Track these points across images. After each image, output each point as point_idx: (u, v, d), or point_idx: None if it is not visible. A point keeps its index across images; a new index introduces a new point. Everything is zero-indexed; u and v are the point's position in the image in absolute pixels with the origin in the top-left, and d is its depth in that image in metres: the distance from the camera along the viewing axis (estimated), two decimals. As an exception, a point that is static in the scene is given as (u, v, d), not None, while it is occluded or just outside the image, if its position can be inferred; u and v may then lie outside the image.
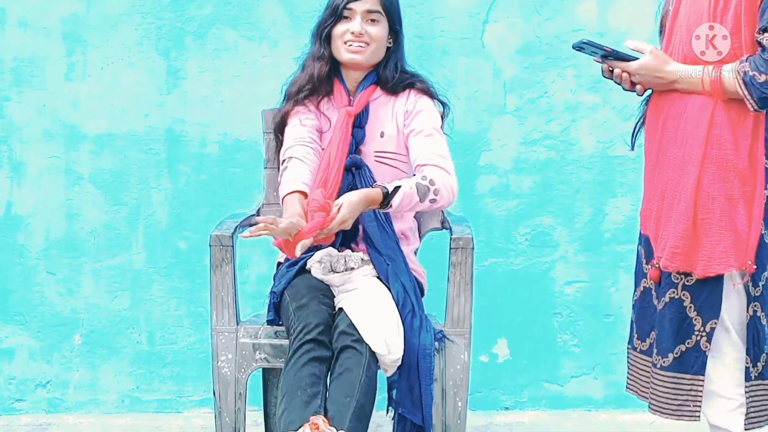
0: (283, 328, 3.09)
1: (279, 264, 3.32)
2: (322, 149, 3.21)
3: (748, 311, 2.80)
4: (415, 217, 3.41)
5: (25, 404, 4.01)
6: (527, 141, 4.02)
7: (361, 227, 3.18)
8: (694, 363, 2.80)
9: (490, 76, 4.00)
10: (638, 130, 3.00)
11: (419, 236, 3.42)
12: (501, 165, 4.02)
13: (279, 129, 3.30)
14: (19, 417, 3.99)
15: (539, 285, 4.04)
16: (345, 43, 3.22)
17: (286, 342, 3.03)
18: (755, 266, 2.75)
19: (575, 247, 4.04)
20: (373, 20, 3.23)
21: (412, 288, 3.09)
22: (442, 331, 3.10)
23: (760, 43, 2.69)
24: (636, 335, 2.97)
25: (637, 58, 2.84)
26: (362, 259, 3.14)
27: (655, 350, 2.86)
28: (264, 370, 3.41)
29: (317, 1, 3.49)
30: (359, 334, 2.90)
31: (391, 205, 3.03)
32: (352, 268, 3.12)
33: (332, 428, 2.75)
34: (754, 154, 2.75)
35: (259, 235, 2.86)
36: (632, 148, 3.01)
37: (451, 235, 3.17)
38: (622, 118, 3.98)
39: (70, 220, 3.98)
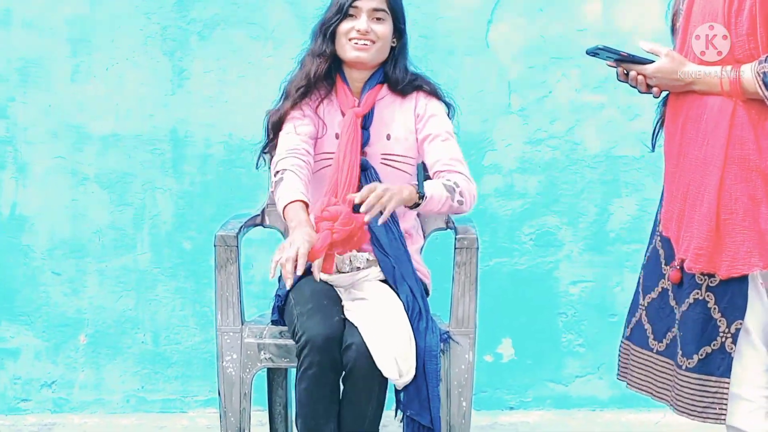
0: (287, 328, 3.09)
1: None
2: (321, 154, 3.18)
3: None
4: (417, 215, 3.39)
5: (31, 404, 4.02)
6: (532, 141, 4.02)
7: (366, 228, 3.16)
8: (719, 365, 2.76)
9: (494, 76, 4.00)
10: (658, 132, 2.98)
11: (423, 236, 3.41)
12: (506, 165, 4.02)
13: (275, 128, 3.22)
14: (25, 417, 3.99)
15: (544, 285, 4.04)
16: (350, 40, 3.17)
17: (290, 342, 3.03)
18: None
19: (580, 246, 4.03)
20: (378, 18, 3.20)
21: (419, 290, 3.08)
22: (447, 331, 3.10)
23: None
24: (652, 336, 2.94)
25: (652, 61, 2.81)
26: (368, 260, 3.14)
27: (679, 352, 2.83)
28: (269, 370, 3.41)
29: (322, 1, 3.49)
30: (371, 356, 2.89)
31: (418, 204, 3.02)
32: (359, 268, 3.12)
33: None
34: None
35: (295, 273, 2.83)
36: (653, 150, 2.99)
37: (456, 235, 3.17)
38: (627, 118, 3.98)
39: (76, 220, 3.99)
